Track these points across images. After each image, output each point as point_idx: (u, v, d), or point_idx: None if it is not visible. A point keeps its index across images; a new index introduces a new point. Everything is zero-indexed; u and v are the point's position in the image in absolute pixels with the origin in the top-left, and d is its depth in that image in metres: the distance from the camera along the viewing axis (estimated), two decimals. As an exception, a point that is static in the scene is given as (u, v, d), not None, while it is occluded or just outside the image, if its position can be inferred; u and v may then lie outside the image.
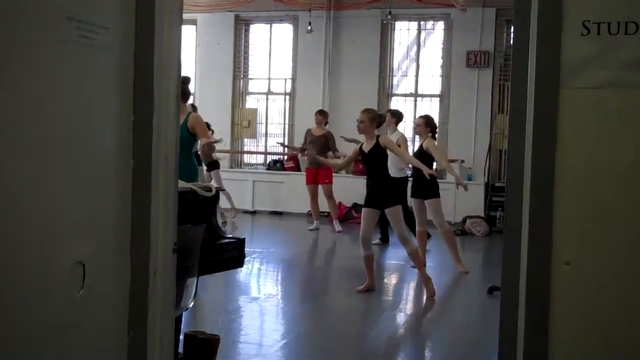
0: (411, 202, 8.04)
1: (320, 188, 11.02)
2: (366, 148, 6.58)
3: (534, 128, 2.30)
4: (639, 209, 2.24)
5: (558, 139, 2.28)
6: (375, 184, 6.59)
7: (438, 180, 7.83)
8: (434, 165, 8.11)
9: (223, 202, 11.21)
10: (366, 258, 6.67)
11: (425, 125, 7.86)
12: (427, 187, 7.66)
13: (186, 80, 6.57)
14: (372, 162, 6.59)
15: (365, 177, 6.88)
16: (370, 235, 6.69)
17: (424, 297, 6.95)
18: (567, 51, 2.28)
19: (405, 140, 9.38)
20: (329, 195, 10.96)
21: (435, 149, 7.83)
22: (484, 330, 5.33)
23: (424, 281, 6.68)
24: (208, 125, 11.52)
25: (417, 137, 9.67)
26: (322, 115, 11.25)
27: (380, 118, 7.02)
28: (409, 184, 9.06)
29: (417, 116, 10.12)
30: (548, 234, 2.28)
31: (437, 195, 7.76)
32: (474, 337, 5.51)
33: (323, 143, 10.80)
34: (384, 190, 6.55)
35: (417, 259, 6.81)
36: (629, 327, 2.26)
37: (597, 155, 2.28)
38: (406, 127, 11.69)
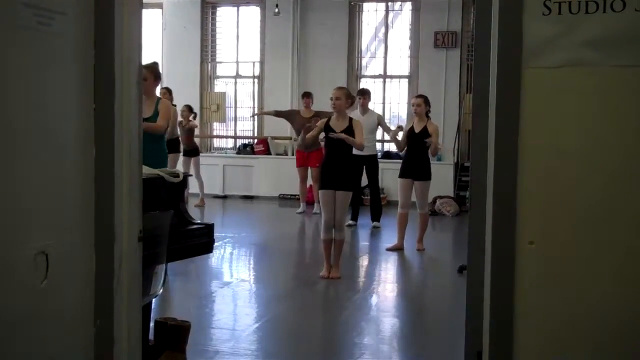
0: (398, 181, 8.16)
1: (309, 171, 11.12)
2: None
3: (496, 109, 2.31)
4: (602, 189, 2.27)
5: (521, 119, 2.29)
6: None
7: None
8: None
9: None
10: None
11: (425, 104, 7.99)
12: (422, 168, 7.84)
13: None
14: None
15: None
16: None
17: (397, 278, 7.04)
18: (528, 31, 2.28)
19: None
20: (317, 179, 10.95)
21: (437, 135, 8.00)
22: (453, 307, 5.38)
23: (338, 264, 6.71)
24: (190, 109, 11.56)
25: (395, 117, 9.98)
26: (309, 97, 11.37)
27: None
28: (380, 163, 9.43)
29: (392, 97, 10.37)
30: (512, 214, 2.30)
31: (430, 178, 7.93)
32: (444, 314, 5.57)
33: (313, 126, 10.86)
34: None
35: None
36: (591, 305, 2.29)
37: (560, 135, 2.29)
38: (375, 108, 11.76)
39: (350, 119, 6.71)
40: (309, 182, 11.28)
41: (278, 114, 11.71)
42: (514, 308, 2.33)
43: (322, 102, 11.29)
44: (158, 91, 7.04)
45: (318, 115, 10.98)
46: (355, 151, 6.72)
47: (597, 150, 2.27)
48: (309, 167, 11.02)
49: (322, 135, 6.94)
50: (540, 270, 2.31)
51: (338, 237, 6.60)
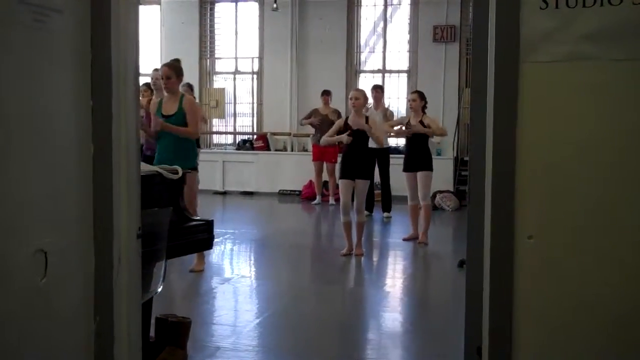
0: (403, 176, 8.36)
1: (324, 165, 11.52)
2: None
3: (494, 103, 2.30)
4: (600, 183, 2.27)
5: (519, 113, 2.29)
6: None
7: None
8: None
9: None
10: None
11: (421, 99, 8.15)
12: (423, 160, 8.04)
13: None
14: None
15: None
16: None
17: (397, 272, 7.06)
18: (526, 25, 2.28)
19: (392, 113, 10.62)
20: (332, 173, 11.37)
21: (436, 123, 8.35)
22: (453, 302, 5.39)
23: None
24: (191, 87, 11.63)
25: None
26: (328, 95, 11.69)
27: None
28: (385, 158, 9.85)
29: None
30: (511, 208, 2.30)
31: (431, 169, 8.11)
32: (444, 308, 5.58)
33: (333, 122, 11.04)
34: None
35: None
36: (591, 298, 2.30)
37: (558, 129, 2.29)
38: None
39: (367, 117, 7.36)
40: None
41: (305, 119, 12.00)
42: (514, 302, 2.33)
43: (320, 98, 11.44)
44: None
45: (337, 113, 11.15)
46: (370, 143, 7.26)
47: (595, 143, 2.27)
48: (325, 162, 11.41)
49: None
50: (539, 264, 2.31)
51: (359, 219, 7.33)
